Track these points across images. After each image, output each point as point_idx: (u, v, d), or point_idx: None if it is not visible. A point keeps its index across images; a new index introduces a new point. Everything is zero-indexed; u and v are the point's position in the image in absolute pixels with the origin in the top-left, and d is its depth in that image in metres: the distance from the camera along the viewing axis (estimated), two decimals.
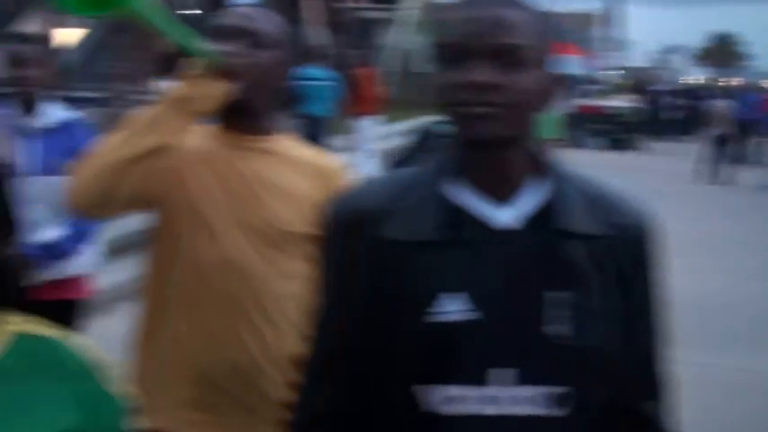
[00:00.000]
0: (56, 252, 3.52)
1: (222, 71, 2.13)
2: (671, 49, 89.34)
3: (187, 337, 2.20)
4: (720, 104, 18.26)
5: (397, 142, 13.21)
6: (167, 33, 2.13)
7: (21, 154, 3.49)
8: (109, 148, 2.10)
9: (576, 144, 19.56)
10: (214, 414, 2.20)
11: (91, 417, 1.35)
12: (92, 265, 3.78)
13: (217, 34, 2.20)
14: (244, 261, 2.18)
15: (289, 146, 2.31)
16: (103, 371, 1.39)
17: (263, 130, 2.27)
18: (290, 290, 2.18)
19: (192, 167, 2.20)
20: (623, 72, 52.79)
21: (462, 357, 1.46)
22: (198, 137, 2.22)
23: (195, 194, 2.18)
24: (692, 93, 28.39)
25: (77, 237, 3.55)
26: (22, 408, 1.32)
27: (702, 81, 55.99)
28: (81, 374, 1.37)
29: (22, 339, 1.37)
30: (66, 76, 13.22)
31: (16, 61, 3.51)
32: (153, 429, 2.14)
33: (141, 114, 2.13)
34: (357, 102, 13.29)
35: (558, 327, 1.46)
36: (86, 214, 2.21)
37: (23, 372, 1.35)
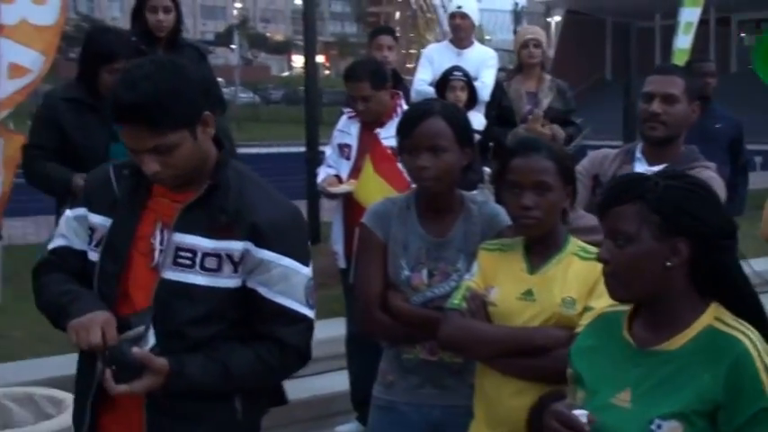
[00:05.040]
0: None
1: None
2: None
3: None
4: None
5: None
6: None
7: None
8: None
9: None
10: None
11: (732, 395, 1.80)
12: None
13: None
14: None
15: None
16: (751, 361, 1.81)
17: None
18: None
19: None
20: None
21: None
22: None
23: None
24: None
25: None
26: (682, 380, 1.84)
27: None
28: (732, 361, 1.81)
29: (707, 331, 1.87)
30: None
31: None
32: None
33: None
34: None
35: None
36: None
37: (695, 354, 1.86)
